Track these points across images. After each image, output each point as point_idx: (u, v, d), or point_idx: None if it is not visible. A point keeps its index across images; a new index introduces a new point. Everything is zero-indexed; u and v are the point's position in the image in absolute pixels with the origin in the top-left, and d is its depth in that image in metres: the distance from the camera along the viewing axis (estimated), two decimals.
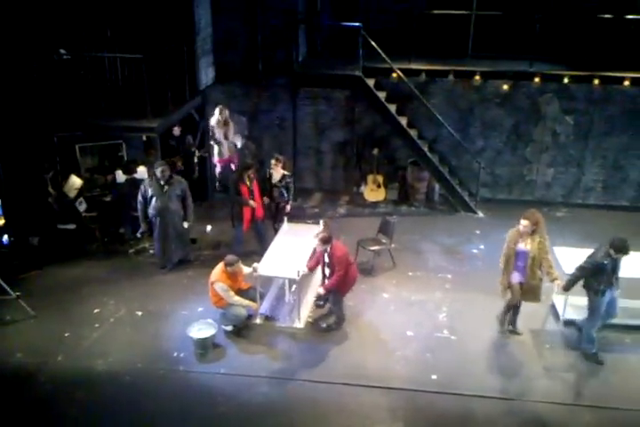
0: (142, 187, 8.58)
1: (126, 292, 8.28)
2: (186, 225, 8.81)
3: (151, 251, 9.24)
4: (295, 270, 7.37)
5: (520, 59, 10.78)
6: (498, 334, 7.51)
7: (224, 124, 10.28)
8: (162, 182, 8.47)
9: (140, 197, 8.58)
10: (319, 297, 7.59)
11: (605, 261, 6.64)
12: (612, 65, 10.56)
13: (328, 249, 7.20)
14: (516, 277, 7.12)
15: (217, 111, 10.32)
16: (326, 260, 7.30)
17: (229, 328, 7.46)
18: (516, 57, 10.90)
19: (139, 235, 9.18)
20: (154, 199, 8.47)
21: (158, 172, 8.45)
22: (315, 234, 7.43)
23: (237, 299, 7.26)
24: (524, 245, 6.98)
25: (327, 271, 7.35)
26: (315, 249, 7.59)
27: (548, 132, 11.06)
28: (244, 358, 7.03)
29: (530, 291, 7.12)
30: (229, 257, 7.26)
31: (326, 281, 7.34)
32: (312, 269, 7.64)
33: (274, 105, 11.39)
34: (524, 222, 6.92)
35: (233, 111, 11.37)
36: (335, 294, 7.38)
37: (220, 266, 7.25)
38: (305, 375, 6.74)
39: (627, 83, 10.34)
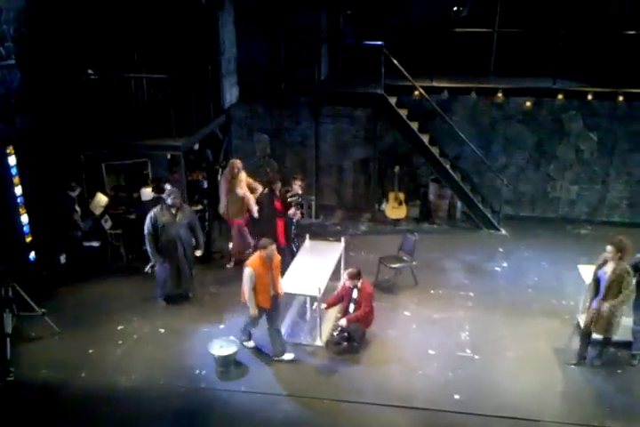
0: (151, 215, 8.02)
1: (150, 309, 8.36)
2: (198, 253, 8.48)
3: None
4: (316, 288, 7.39)
5: (543, 76, 10.78)
6: (522, 354, 7.40)
7: (232, 179, 9.20)
8: (173, 211, 8.11)
9: (149, 227, 7.98)
10: (341, 330, 7.45)
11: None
12: (635, 81, 10.48)
13: (359, 285, 7.30)
14: (595, 303, 6.93)
15: (229, 164, 9.41)
16: (354, 296, 7.37)
17: (251, 344, 7.44)
18: (538, 74, 10.91)
19: (148, 270, 8.80)
20: (165, 229, 8.01)
21: (170, 199, 8.04)
22: (345, 272, 7.50)
23: (250, 295, 6.97)
24: (606, 271, 6.77)
25: (352, 308, 7.40)
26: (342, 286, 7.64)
27: (571, 149, 10.99)
28: (264, 375, 7.03)
29: (599, 320, 6.84)
30: (263, 240, 7.16)
31: (342, 319, 7.35)
32: (330, 306, 7.65)
33: (296, 123, 11.51)
34: (608, 248, 6.73)
35: (255, 130, 11.55)
36: (357, 328, 7.38)
37: (257, 253, 7.09)
38: (325, 394, 6.71)
39: None
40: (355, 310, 7.39)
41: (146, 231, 8.03)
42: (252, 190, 9.37)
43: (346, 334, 7.45)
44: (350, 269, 7.39)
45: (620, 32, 10.66)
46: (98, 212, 9.45)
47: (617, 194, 11.10)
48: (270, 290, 7.10)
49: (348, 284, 7.38)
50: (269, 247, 6.96)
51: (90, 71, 9.64)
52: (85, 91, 9.42)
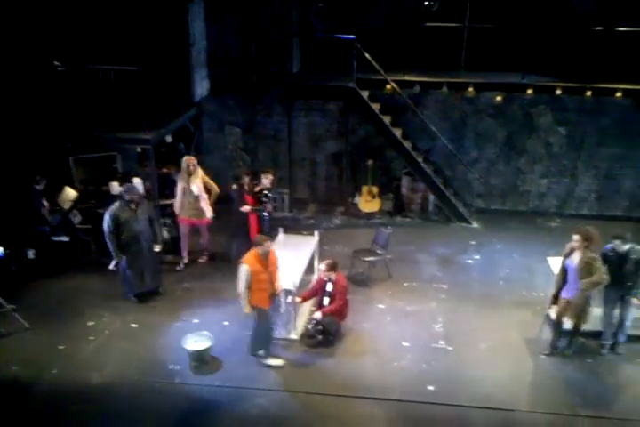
0: (111, 213, 7.79)
1: (121, 304, 8.24)
2: (157, 248, 8.29)
3: None
4: (291, 281, 7.36)
5: (513, 70, 10.88)
6: (494, 345, 7.50)
7: (188, 176, 8.86)
8: (133, 206, 7.91)
9: (109, 225, 7.76)
10: (316, 323, 7.43)
11: (610, 253, 6.92)
12: (603, 76, 10.66)
13: (333, 277, 7.30)
14: (564, 293, 7.03)
15: (183, 161, 8.94)
16: (328, 289, 7.38)
17: (277, 362, 7.07)
18: (508, 69, 11.00)
19: (113, 268, 8.34)
20: (127, 225, 7.83)
21: (127, 195, 7.85)
22: (322, 263, 7.46)
23: (245, 293, 6.75)
24: (573, 260, 6.85)
25: (326, 301, 7.41)
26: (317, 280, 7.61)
27: (541, 143, 11.14)
28: (239, 370, 6.98)
29: (573, 309, 6.95)
30: (258, 236, 7.06)
31: (317, 312, 7.36)
32: (305, 300, 7.63)
33: (268, 117, 11.44)
34: (574, 237, 6.80)
35: (227, 123, 11.45)
36: (333, 321, 7.40)
37: (252, 250, 6.90)
38: (301, 387, 6.71)
39: (618, 94, 10.43)
40: (329, 303, 7.40)
41: (106, 229, 7.83)
42: (207, 190, 9.07)
43: (321, 327, 7.44)
44: (328, 260, 7.39)
45: (587, 28, 10.82)
46: (66, 206, 9.27)
47: (585, 187, 11.29)
48: (269, 288, 6.91)
49: (323, 276, 7.38)
50: (265, 244, 6.77)
51: (56, 63, 9.43)
52: (52, 83, 9.21)
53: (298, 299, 7.48)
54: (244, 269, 6.71)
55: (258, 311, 6.91)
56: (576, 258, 6.79)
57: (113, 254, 8.02)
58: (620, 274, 6.89)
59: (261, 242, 6.79)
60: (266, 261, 6.85)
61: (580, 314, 6.93)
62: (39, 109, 9.07)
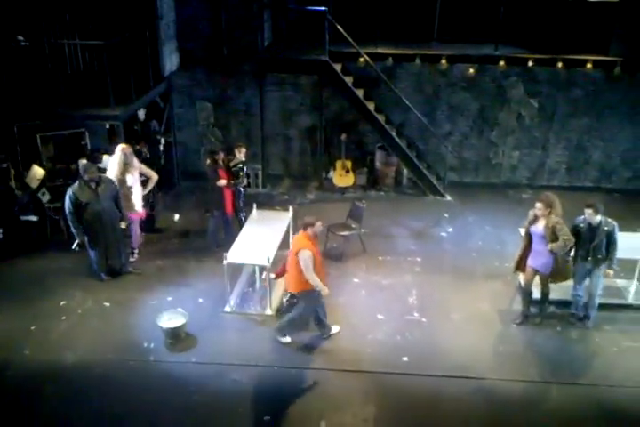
0: (70, 194, 7.62)
1: (93, 283, 8.16)
2: (123, 225, 8.12)
3: None
4: (265, 257, 7.35)
5: (485, 42, 10.85)
6: (466, 316, 7.60)
7: (124, 166, 8.20)
8: (93, 185, 7.74)
9: (69, 206, 7.64)
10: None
11: (581, 224, 6.93)
12: (574, 48, 10.68)
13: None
14: (530, 261, 7.13)
15: (117, 150, 8.24)
16: None
17: (287, 340, 7.08)
18: (481, 41, 10.97)
19: (76, 248, 8.36)
20: (88, 206, 7.66)
21: (87, 174, 7.63)
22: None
23: (315, 277, 6.51)
24: (538, 227, 6.91)
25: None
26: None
27: (513, 116, 11.17)
28: (215, 346, 7.00)
29: (557, 273, 7.05)
30: (308, 217, 6.69)
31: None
32: (279, 276, 7.48)
33: (240, 91, 11.27)
34: (537, 205, 6.84)
35: (197, 98, 11.25)
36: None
37: (299, 235, 6.66)
38: (276, 361, 6.75)
39: (589, 65, 10.51)
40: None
41: (67, 211, 7.71)
42: (144, 181, 8.67)
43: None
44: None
45: None
46: (34, 185, 9.07)
47: (556, 159, 11.39)
48: (321, 270, 6.73)
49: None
50: (317, 224, 6.57)
51: (20, 38, 9.15)
52: (16, 58, 8.95)
53: (272, 275, 7.46)
54: (307, 256, 6.44)
55: (310, 294, 6.74)
56: (540, 225, 6.87)
57: (75, 235, 7.91)
58: (589, 246, 6.94)
59: (313, 222, 6.56)
60: (316, 241, 6.71)
61: (565, 273, 7.07)
62: (4, 86, 8.81)
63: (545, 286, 7.21)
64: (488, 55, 10.71)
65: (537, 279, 7.24)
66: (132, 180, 8.31)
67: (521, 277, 7.51)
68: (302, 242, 6.60)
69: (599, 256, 6.98)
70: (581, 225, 6.96)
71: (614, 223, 6.94)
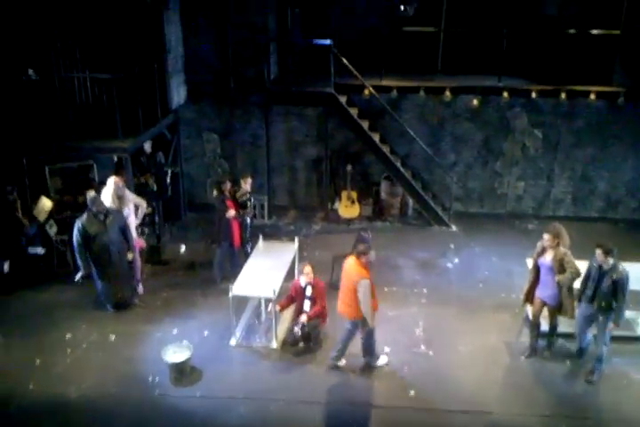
0: (79, 226, 7.72)
1: (98, 316, 8.15)
2: (130, 257, 8.20)
3: None
4: (271, 289, 7.33)
5: (488, 74, 10.98)
6: (474, 349, 7.53)
7: (118, 198, 8.22)
8: (101, 217, 7.82)
9: (78, 238, 7.71)
10: (303, 327, 7.38)
11: (594, 263, 6.62)
12: (577, 79, 10.79)
13: (312, 281, 7.34)
14: (539, 292, 7.07)
15: (109, 183, 8.24)
16: (308, 293, 7.39)
17: (383, 361, 7.17)
18: (484, 72, 11.10)
19: (79, 279, 8.17)
20: (96, 238, 7.72)
21: (95, 206, 7.73)
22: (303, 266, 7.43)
23: (369, 308, 6.58)
24: (546, 259, 6.87)
25: (307, 305, 7.43)
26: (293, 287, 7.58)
27: (517, 146, 11.22)
28: (220, 379, 6.94)
29: (563, 308, 6.94)
30: (361, 246, 6.81)
31: (302, 315, 7.38)
32: (284, 309, 7.62)
33: (247, 123, 11.39)
34: (545, 236, 6.80)
35: (204, 129, 11.38)
36: (317, 323, 7.46)
37: (353, 262, 6.71)
38: (282, 395, 6.68)
39: (592, 96, 10.58)
40: (311, 307, 7.40)
41: (75, 243, 7.79)
42: (137, 208, 8.71)
43: (307, 330, 7.40)
44: (309, 264, 7.38)
45: (561, 31, 10.96)
46: (42, 217, 9.13)
47: (561, 189, 11.40)
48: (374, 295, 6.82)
49: (305, 279, 7.35)
50: (370, 253, 6.71)
51: (30, 71, 9.32)
52: (26, 92, 9.10)
53: (277, 307, 7.45)
54: (367, 285, 6.53)
55: (364, 320, 6.82)
56: (549, 256, 6.84)
57: (80, 266, 7.95)
58: (596, 291, 6.61)
59: (366, 251, 6.66)
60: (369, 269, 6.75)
61: (569, 309, 6.89)
62: (14, 119, 8.95)
63: (553, 319, 7.15)
64: (492, 86, 10.82)
65: (545, 311, 7.18)
66: (127, 211, 8.38)
67: (529, 310, 7.46)
68: (360, 271, 6.62)
69: (603, 304, 6.58)
70: (594, 264, 6.64)
71: (626, 272, 6.47)
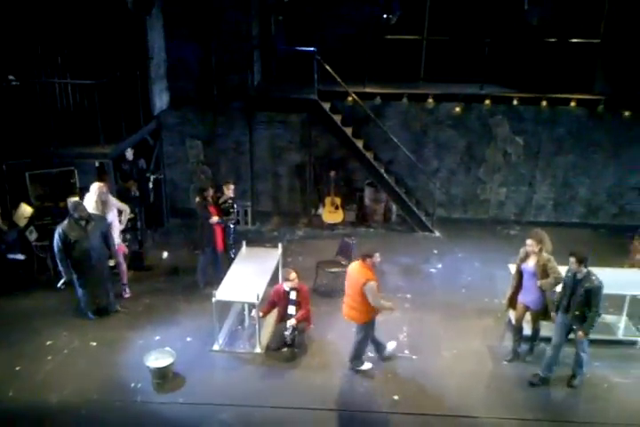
0: (59, 231, 7.62)
1: (80, 322, 8.05)
2: (112, 263, 8.17)
3: None
4: (255, 294, 7.30)
5: (471, 82, 11.08)
6: (457, 353, 7.54)
7: (102, 203, 8.17)
8: (82, 223, 7.71)
9: (58, 244, 7.61)
10: (292, 330, 7.39)
11: (568, 273, 6.59)
12: (558, 87, 10.94)
13: (297, 285, 7.37)
14: (521, 297, 7.10)
15: (93, 189, 8.20)
16: (292, 297, 7.42)
17: (367, 366, 7.21)
18: (466, 80, 11.20)
19: (62, 286, 8.11)
20: (77, 243, 7.63)
21: (77, 212, 7.61)
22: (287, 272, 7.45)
23: (382, 303, 6.75)
24: (528, 264, 6.92)
25: (292, 309, 7.45)
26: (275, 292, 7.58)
27: (499, 153, 11.33)
28: (203, 386, 6.88)
29: (546, 311, 6.96)
30: (367, 247, 6.86)
31: (292, 320, 7.40)
32: (266, 314, 7.64)
33: (230, 129, 11.38)
34: (528, 242, 6.85)
35: (187, 136, 11.35)
36: (303, 328, 7.52)
37: (357, 266, 6.75)
38: (266, 401, 6.63)
39: (573, 104, 10.74)
40: (297, 311, 7.42)
41: (55, 249, 7.69)
42: (120, 212, 8.68)
43: (296, 333, 7.41)
44: (293, 269, 7.44)
45: (542, 39, 11.11)
46: (22, 223, 9.03)
47: (543, 195, 11.51)
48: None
49: (290, 285, 7.38)
50: (376, 255, 6.69)
51: (11, 77, 9.25)
52: (6, 97, 9.02)
53: (260, 313, 7.43)
54: (375, 287, 6.60)
55: (371, 325, 6.98)
56: (532, 262, 6.89)
57: (62, 273, 7.86)
58: (570, 299, 6.53)
59: (372, 253, 6.68)
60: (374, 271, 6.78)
61: (547, 313, 6.94)
62: None
63: (535, 323, 7.19)
64: (474, 94, 10.94)
65: (528, 316, 7.22)
66: (112, 216, 8.33)
67: (512, 314, 7.50)
68: (366, 273, 6.64)
69: (577, 312, 6.49)
70: (568, 274, 6.59)
71: (598, 281, 6.36)
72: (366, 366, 7.22)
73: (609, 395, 6.84)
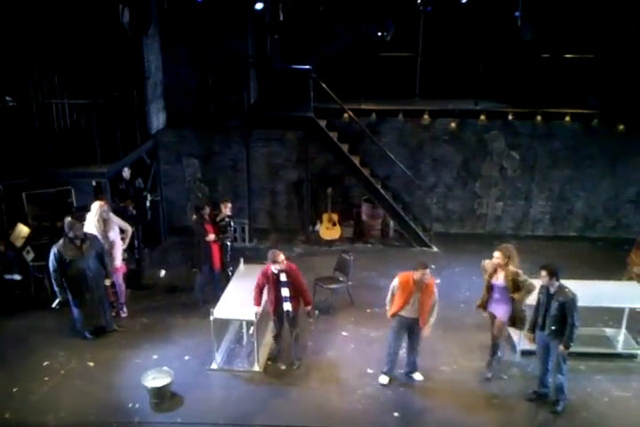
0: (55, 251, 7.58)
1: (77, 342, 8.00)
2: (108, 282, 8.08)
3: None
4: (252, 312, 7.27)
5: (466, 97, 11.17)
6: (457, 368, 7.50)
7: (104, 222, 8.13)
8: (77, 243, 7.70)
9: (53, 264, 7.58)
10: (288, 313, 7.19)
11: (542, 288, 6.53)
12: (553, 102, 11.02)
13: (283, 267, 7.06)
14: (491, 309, 7.13)
15: (94, 208, 8.15)
16: (283, 279, 7.11)
17: (384, 381, 7.22)
18: (462, 96, 11.29)
19: (57, 306, 8.17)
20: (72, 263, 7.59)
21: (72, 232, 7.58)
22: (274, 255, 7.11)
23: (390, 301, 7.16)
24: (498, 279, 6.95)
25: (285, 291, 7.14)
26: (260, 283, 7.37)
27: (495, 168, 11.39)
28: (201, 405, 6.82)
29: (517, 321, 7.05)
30: (420, 262, 6.85)
31: (288, 302, 7.16)
32: (259, 301, 7.38)
33: (227, 147, 11.44)
34: (495, 254, 6.91)
35: (184, 154, 11.39)
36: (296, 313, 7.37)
37: (410, 275, 6.83)
38: (264, 419, 6.57)
39: (567, 118, 10.82)
40: (290, 293, 7.15)
41: (51, 268, 7.66)
42: (122, 231, 8.66)
43: (292, 315, 7.24)
44: (278, 251, 7.11)
45: (536, 55, 11.22)
46: (19, 243, 9.03)
47: (539, 209, 11.55)
48: (410, 311, 6.94)
49: (279, 267, 7.05)
50: (421, 271, 6.69)
51: (7, 98, 9.31)
52: (3, 118, 9.07)
53: (257, 309, 7.30)
54: (394, 281, 7.03)
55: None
56: (500, 276, 6.93)
57: (57, 293, 7.83)
58: (546, 315, 6.43)
59: (418, 268, 6.73)
60: (418, 286, 6.81)
61: (523, 322, 6.97)
62: None
63: (499, 334, 7.19)
64: (469, 110, 11.02)
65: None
66: (114, 235, 8.31)
67: (511, 329, 7.44)
68: (405, 273, 6.93)
69: (553, 327, 6.35)
70: (542, 290, 6.50)
71: (572, 294, 6.26)
72: (383, 379, 7.19)
73: (610, 409, 6.77)
